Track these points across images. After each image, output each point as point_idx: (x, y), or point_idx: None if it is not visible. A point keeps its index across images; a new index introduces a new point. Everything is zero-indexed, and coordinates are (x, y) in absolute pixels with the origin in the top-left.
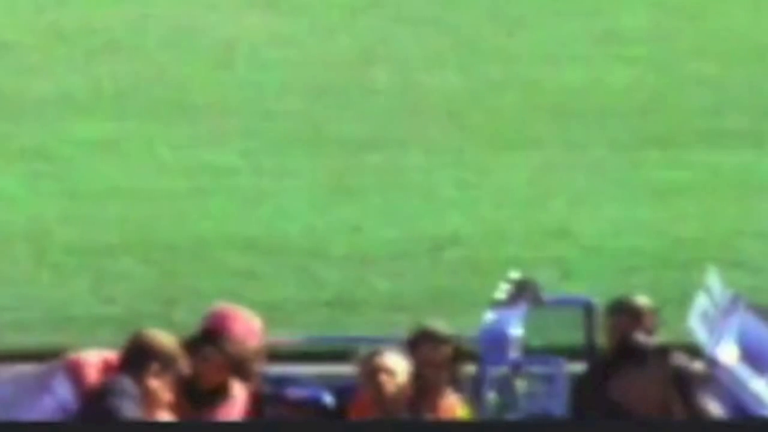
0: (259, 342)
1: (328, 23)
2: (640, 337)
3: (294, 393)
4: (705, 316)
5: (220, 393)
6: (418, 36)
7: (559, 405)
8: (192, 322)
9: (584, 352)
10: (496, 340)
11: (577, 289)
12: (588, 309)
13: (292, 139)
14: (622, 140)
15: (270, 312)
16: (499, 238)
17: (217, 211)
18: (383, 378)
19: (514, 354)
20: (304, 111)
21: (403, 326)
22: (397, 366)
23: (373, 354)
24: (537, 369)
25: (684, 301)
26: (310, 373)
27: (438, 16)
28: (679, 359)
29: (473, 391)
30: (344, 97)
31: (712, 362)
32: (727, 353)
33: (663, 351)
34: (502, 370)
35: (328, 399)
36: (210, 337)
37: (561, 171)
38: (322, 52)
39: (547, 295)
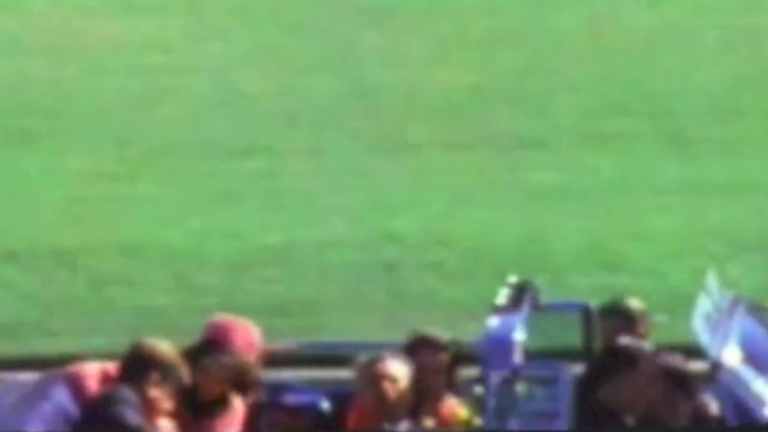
0: (259, 354)
1: (204, 29)
2: (627, 340)
3: (290, 399)
4: (707, 319)
5: (219, 404)
6: (294, 40)
7: (563, 408)
8: (70, 329)
9: (582, 355)
10: (500, 344)
11: (454, 292)
12: (586, 313)
13: (169, 145)
14: (499, 142)
15: (149, 318)
16: (379, 241)
17: (96, 218)
18: (386, 385)
19: (516, 358)
20: (182, 117)
21: (283, 332)
22: (399, 372)
23: (375, 361)
24: (540, 373)
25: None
26: (303, 378)
27: (313, 20)
28: (670, 360)
29: (476, 396)
30: (221, 103)
31: (716, 364)
32: (731, 355)
33: (653, 353)
34: (505, 374)
35: (325, 405)
36: (210, 349)
37: (439, 173)
38: (198, 57)
39: (545, 299)
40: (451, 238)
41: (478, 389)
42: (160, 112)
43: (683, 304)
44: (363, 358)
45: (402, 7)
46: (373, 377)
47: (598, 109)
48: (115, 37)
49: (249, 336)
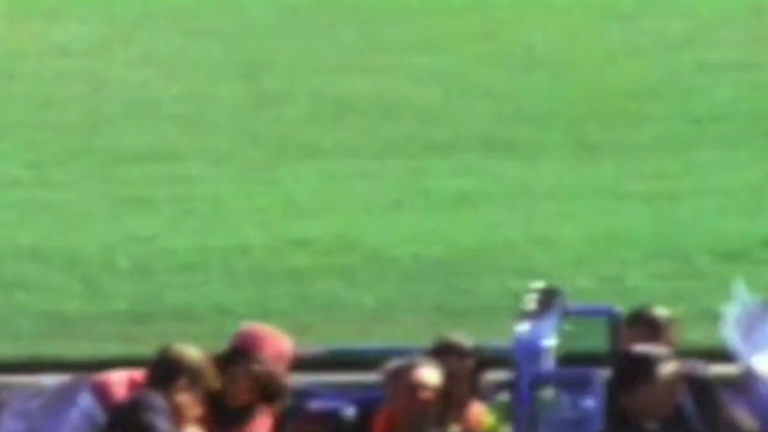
0: (288, 364)
1: (110, 35)
2: (645, 348)
3: (314, 405)
4: (738, 325)
5: (246, 412)
6: (202, 46)
7: (595, 415)
8: None
9: (607, 361)
10: (531, 350)
11: (361, 298)
12: (612, 319)
13: (77, 150)
14: (405, 148)
15: (57, 323)
16: (287, 247)
17: (4, 224)
18: (422, 392)
19: (547, 364)
20: (90, 122)
21: (192, 337)
22: (434, 379)
23: (409, 367)
24: (571, 379)
25: (470, 309)
26: (327, 382)
27: (219, 27)
28: (690, 367)
29: (501, 402)
30: (129, 108)
31: (748, 371)
32: (763, 361)
33: (672, 359)
34: (536, 380)
35: (349, 411)
36: (239, 357)
37: (346, 180)
38: (105, 63)
39: (571, 304)
40: (359, 243)
41: (503, 395)
42: (68, 118)
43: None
44: (393, 364)
45: (308, 14)
46: (410, 385)
47: (504, 116)
48: (22, 43)
49: (278, 345)
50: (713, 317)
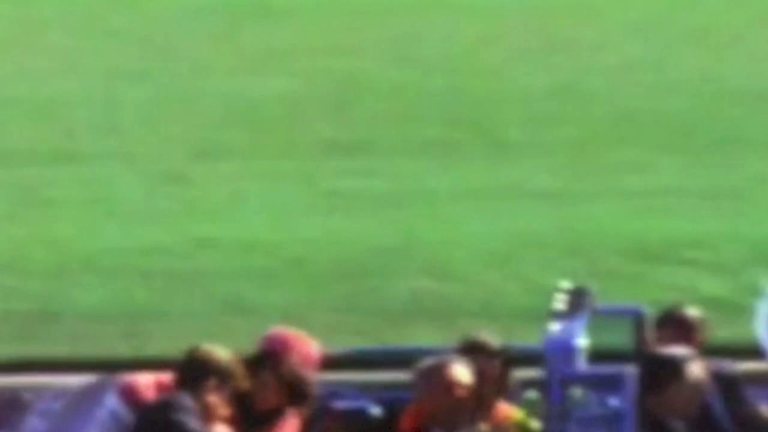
0: (317, 367)
1: (20, 36)
2: (671, 350)
3: (340, 405)
4: (766, 323)
5: (274, 416)
6: (110, 47)
7: (628, 413)
8: None
9: (633, 359)
10: (563, 350)
11: (272, 299)
12: (638, 318)
13: None
14: (314, 150)
15: None
16: (196, 248)
17: None
18: (457, 390)
19: (580, 364)
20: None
21: (106, 338)
22: (466, 377)
23: (442, 365)
24: (603, 377)
25: (380, 310)
26: (354, 381)
27: (132, 28)
28: (717, 365)
29: (529, 399)
30: (37, 109)
31: None
32: None
33: (698, 358)
34: (568, 379)
35: (375, 410)
36: (267, 361)
37: (254, 181)
38: (13, 64)
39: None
40: (267, 244)
41: (531, 393)
42: None
43: (507, 311)
44: (425, 362)
45: (219, 15)
46: (444, 383)
47: (415, 116)
48: None
49: (306, 349)
50: None
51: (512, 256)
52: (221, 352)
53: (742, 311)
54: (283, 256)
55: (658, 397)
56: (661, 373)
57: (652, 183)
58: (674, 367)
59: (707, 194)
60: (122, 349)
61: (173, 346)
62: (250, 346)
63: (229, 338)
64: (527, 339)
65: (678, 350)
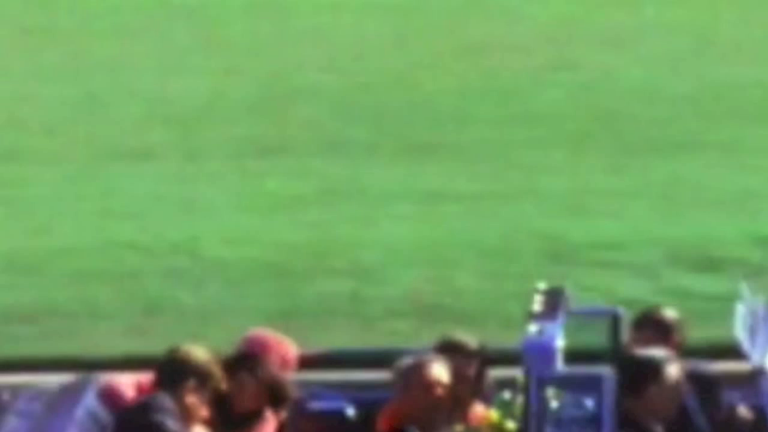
0: (293, 370)
1: None
2: (650, 352)
3: (315, 405)
4: (747, 326)
5: (252, 417)
6: (27, 46)
7: (607, 415)
8: None
9: (609, 359)
10: (543, 352)
11: (194, 300)
12: (615, 319)
13: None
14: (235, 150)
15: None
16: (117, 248)
17: None
18: (436, 390)
19: (558, 365)
20: None
21: (28, 339)
22: (444, 377)
23: (421, 364)
24: (581, 378)
25: (301, 311)
26: (328, 381)
27: (46, 26)
28: (693, 365)
29: (503, 400)
30: None
31: (759, 370)
32: None
33: (675, 362)
34: (547, 380)
35: (351, 411)
36: (245, 363)
37: (177, 181)
38: None
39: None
40: (190, 245)
41: (506, 394)
42: None
43: (421, 311)
44: (405, 361)
45: (137, 15)
46: (423, 382)
47: (335, 117)
48: None
49: (284, 351)
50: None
51: (429, 256)
52: (200, 353)
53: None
54: (203, 257)
55: (637, 399)
56: (641, 375)
57: (569, 184)
58: (653, 368)
59: (626, 196)
60: (40, 349)
61: (91, 347)
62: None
63: (149, 339)
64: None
65: (657, 352)
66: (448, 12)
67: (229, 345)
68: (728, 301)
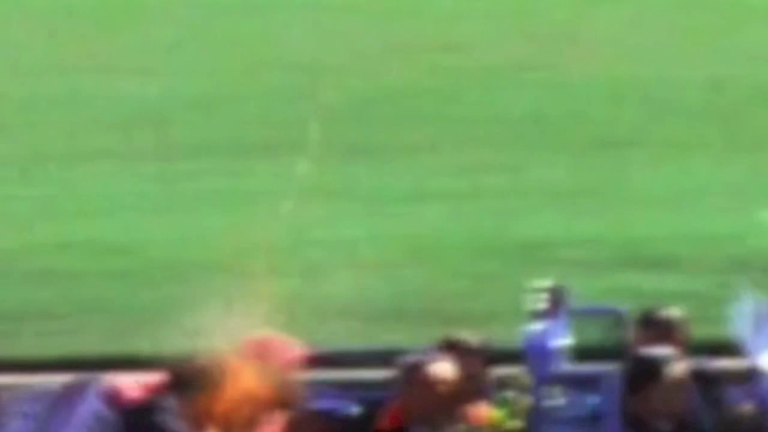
0: (300, 369)
1: None
2: (654, 350)
3: (318, 404)
4: (745, 325)
5: (260, 418)
6: None
7: (611, 412)
8: None
9: (613, 358)
10: (545, 350)
11: (140, 300)
12: (617, 317)
13: None
14: (169, 152)
15: None
16: (58, 250)
17: None
18: (441, 387)
19: (562, 363)
20: None
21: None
22: (449, 375)
23: (426, 362)
24: (585, 377)
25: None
26: (332, 380)
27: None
28: (697, 364)
29: (505, 398)
30: None
31: (756, 370)
32: None
33: (679, 361)
34: (550, 379)
35: (354, 410)
36: (250, 366)
37: (125, 182)
38: None
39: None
40: (127, 246)
41: (509, 393)
42: None
43: (370, 310)
44: (409, 359)
45: (88, 15)
46: (428, 380)
47: (257, 118)
48: None
49: (289, 352)
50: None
51: (359, 258)
52: (207, 356)
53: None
54: (142, 257)
55: (641, 398)
56: (645, 374)
57: (514, 184)
58: (657, 367)
59: (576, 195)
60: None
61: (32, 347)
62: (110, 346)
63: (89, 338)
64: (372, 340)
65: (661, 350)
66: (389, 10)
67: (167, 345)
68: (674, 298)
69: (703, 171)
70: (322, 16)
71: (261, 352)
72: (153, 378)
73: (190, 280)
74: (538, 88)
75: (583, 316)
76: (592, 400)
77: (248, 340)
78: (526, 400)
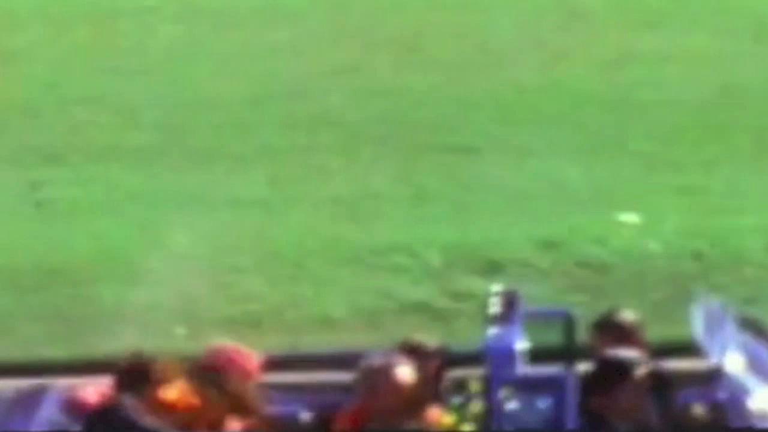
0: (258, 379)
1: None
2: (621, 352)
3: (270, 409)
4: (705, 328)
5: (218, 427)
6: None
7: (569, 415)
8: None
9: (563, 359)
10: (504, 354)
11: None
12: (568, 321)
13: None
14: (18, 158)
15: None
16: None
17: None
18: (405, 393)
19: (520, 367)
20: None
21: None
22: (411, 379)
23: (389, 366)
24: (543, 380)
25: (90, 317)
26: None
27: None
28: (652, 366)
29: (458, 403)
30: None
31: (719, 371)
32: (734, 362)
33: (642, 362)
34: (509, 383)
35: (305, 415)
36: (207, 375)
37: None
38: None
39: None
40: None
41: (458, 398)
42: None
43: (207, 318)
44: (370, 362)
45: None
46: (391, 384)
47: (117, 123)
48: None
49: (247, 363)
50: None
51: (214, 262)
52: (159, 358)
53: (442, 316)
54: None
55: (606, 399)
56: (613, 375)
57: (350, 189)
58: (624, 369)
59: (407, 200)
60: None
61: None
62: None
63: None
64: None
65: (628, 352)
66: (232, 17)
67: (10, 352)
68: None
69: (535, 176)
70: (180, 22)
71: (223, 365)
72: (107, 382)
73: (32, 288)
74: (373, 93)
75: (535, 318)
76: (550, 402)
77: (209, 352)
78: (479, 405)
